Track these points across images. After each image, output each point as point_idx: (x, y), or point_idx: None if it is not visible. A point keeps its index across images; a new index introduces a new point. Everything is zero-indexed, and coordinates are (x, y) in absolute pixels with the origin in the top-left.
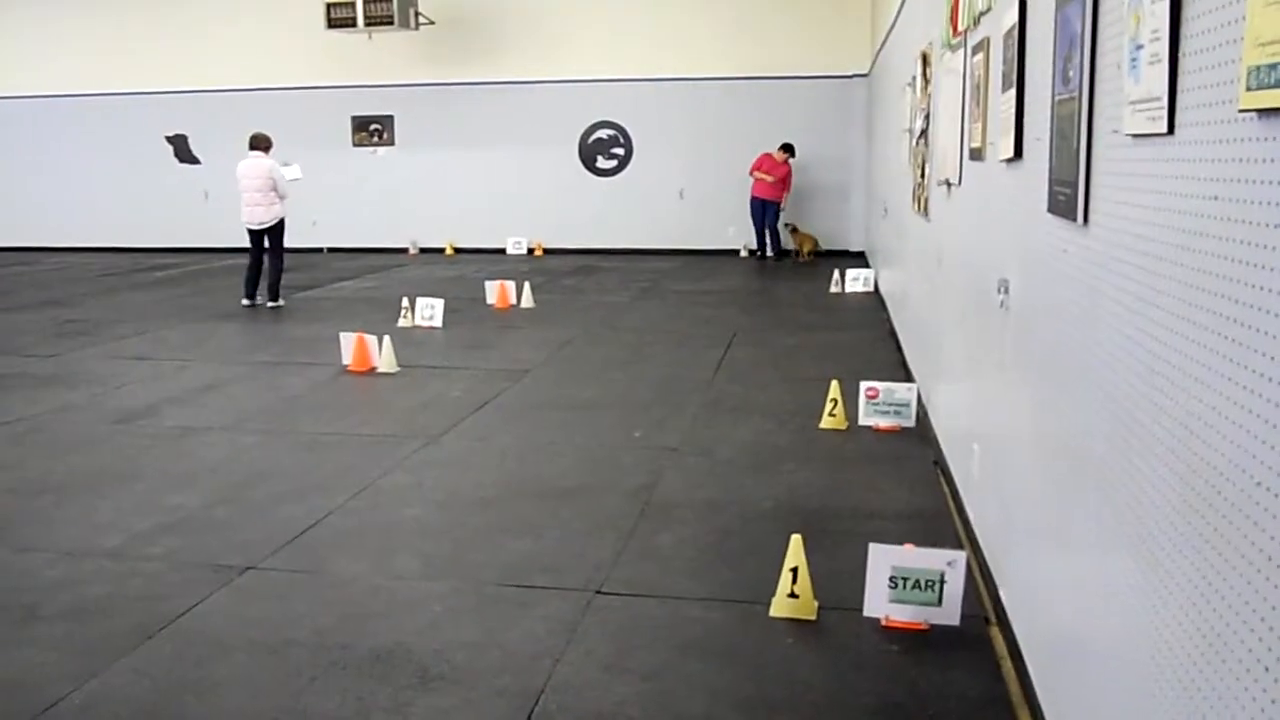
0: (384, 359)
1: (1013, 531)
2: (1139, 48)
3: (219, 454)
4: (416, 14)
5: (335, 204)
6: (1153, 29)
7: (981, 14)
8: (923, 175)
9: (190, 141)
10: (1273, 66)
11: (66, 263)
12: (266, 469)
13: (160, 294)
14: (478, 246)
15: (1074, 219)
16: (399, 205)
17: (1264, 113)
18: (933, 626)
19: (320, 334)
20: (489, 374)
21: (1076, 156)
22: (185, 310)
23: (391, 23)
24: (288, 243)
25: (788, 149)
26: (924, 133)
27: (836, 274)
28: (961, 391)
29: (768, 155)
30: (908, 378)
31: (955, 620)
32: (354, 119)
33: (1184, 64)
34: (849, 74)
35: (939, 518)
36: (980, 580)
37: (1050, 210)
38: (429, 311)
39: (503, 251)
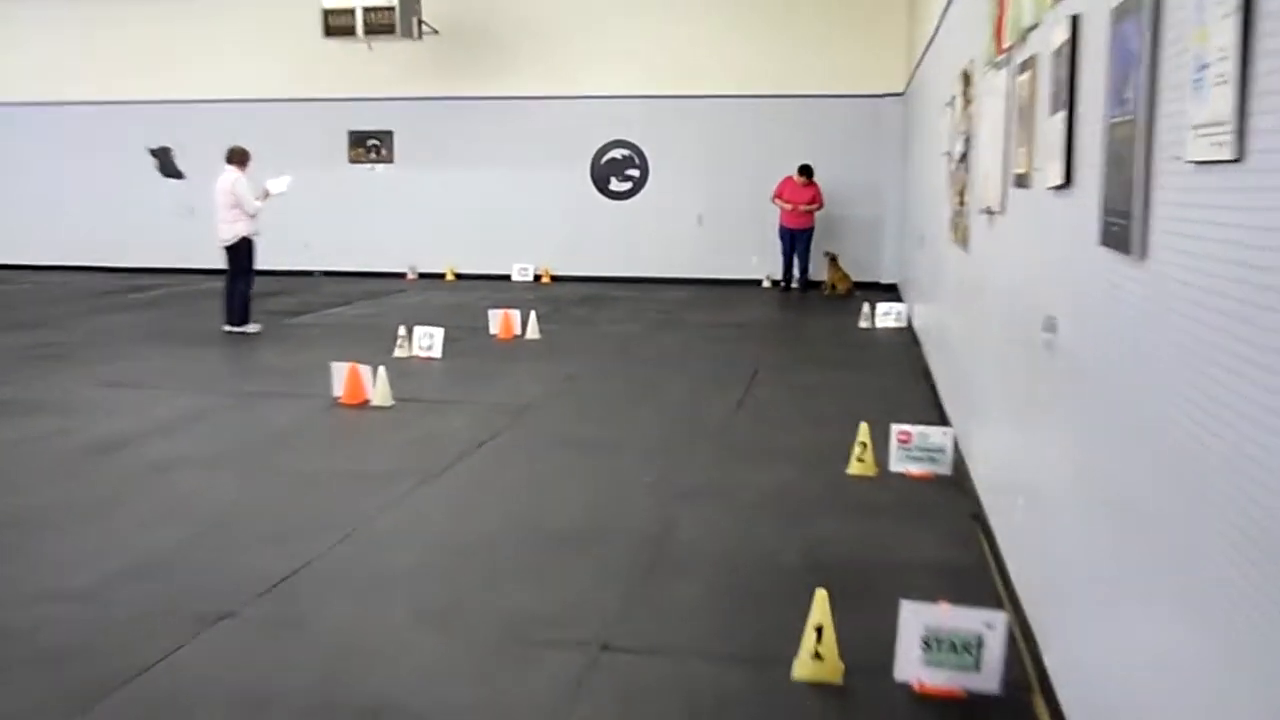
0: (378, 392)
1: (1058, 591)
2: (1204, 67)
3: (197, 491)
4: (420, 23)
5: (330, 224)
6: (1220, 46)
7: (1028, 30)
8: (962, 202)
9: (175, 154)
10: None
11: (42, 281)
12: (248, 508)
13: (141, 316)
14: (481, 272)
15: (1128, 252)
16: (397, 227)
17: None
18: (970, 693)
19: (310, 363)
20: (490, 409)
21: (1132, 185)
22: (167, 335)
23: (392, 31)
24: (279, 264)
25: (806, 171)
26: (964, 156)
27: (866, 308)
28: (1003, 438)
29: (789, 180)
30: (943, 421)
31: (995, 687)
32: (351, 134)
33: (1254, 85)
34: (883, 93)
35: (977, 574)
36: (1022, 644)
37: (1103, 242)
38: (427, 341)
39: (508, 278)
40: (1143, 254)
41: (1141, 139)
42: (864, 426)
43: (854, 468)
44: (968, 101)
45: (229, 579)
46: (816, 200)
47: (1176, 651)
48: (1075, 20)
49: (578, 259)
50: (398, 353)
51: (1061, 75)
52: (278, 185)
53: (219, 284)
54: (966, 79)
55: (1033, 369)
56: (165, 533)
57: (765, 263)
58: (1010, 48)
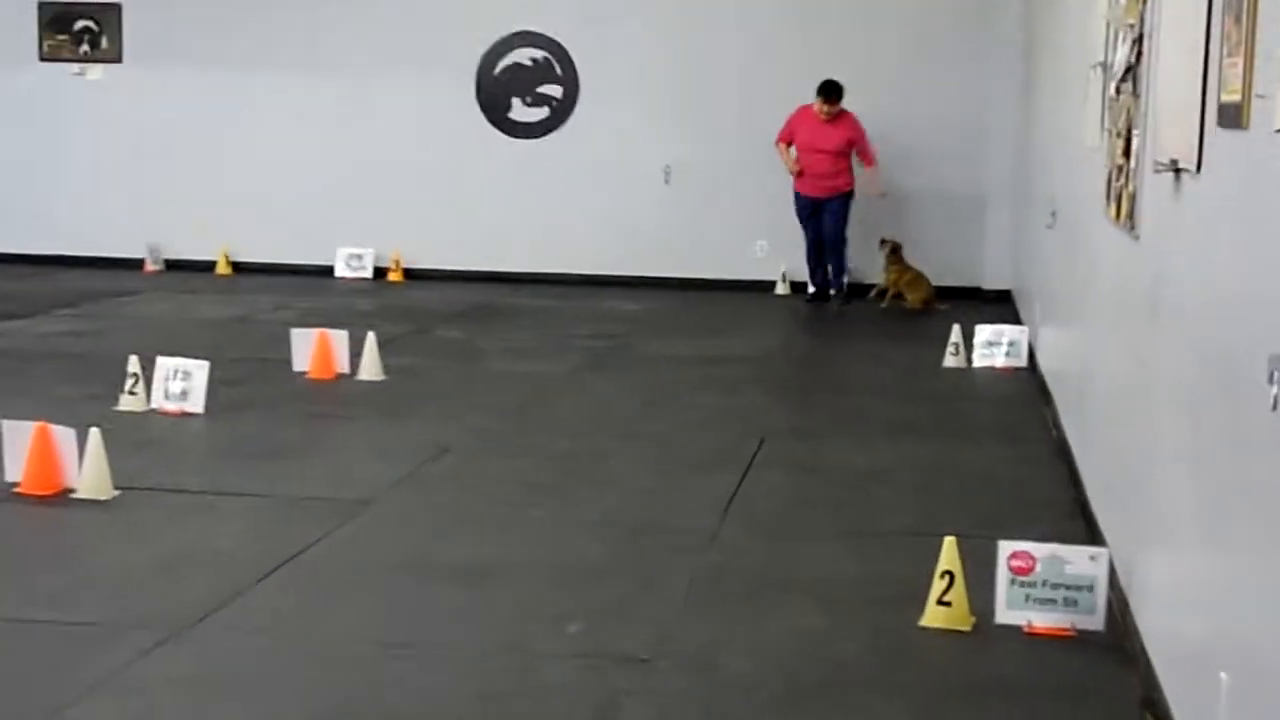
0: (88, 473)
1: None
2: None
3: None
4: None
5: (5, 171)
6: None
7: None
8: (1127, 152)
9: None
10: None
11: None
12: None
13: None
14: (279, 261)
15: None
16: (127, 178)
17: None
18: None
19: None
20: (292, 506)
21: None
22: None
23: None
24: None
25: (831, 93)
26: (1130, 71)
27: (957, 332)
28: (1197, 568)
29: (805, 112)
30: (1092, 537)
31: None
32: (46, 8)
33: None
34: None
35: None
36: None
37: None
38: (179, 384)
39: (329, 272)
40: None
41: None
42: (949, 543)
43: (933, 616)
44: None
45: None
46: (854, 143)
47: None
48: None
49: (452, 242)
50: (126, 404)
51: None
52: None
53: None
54: None
55: (1250, 444)
56: None
57: (781, 253)
58: None
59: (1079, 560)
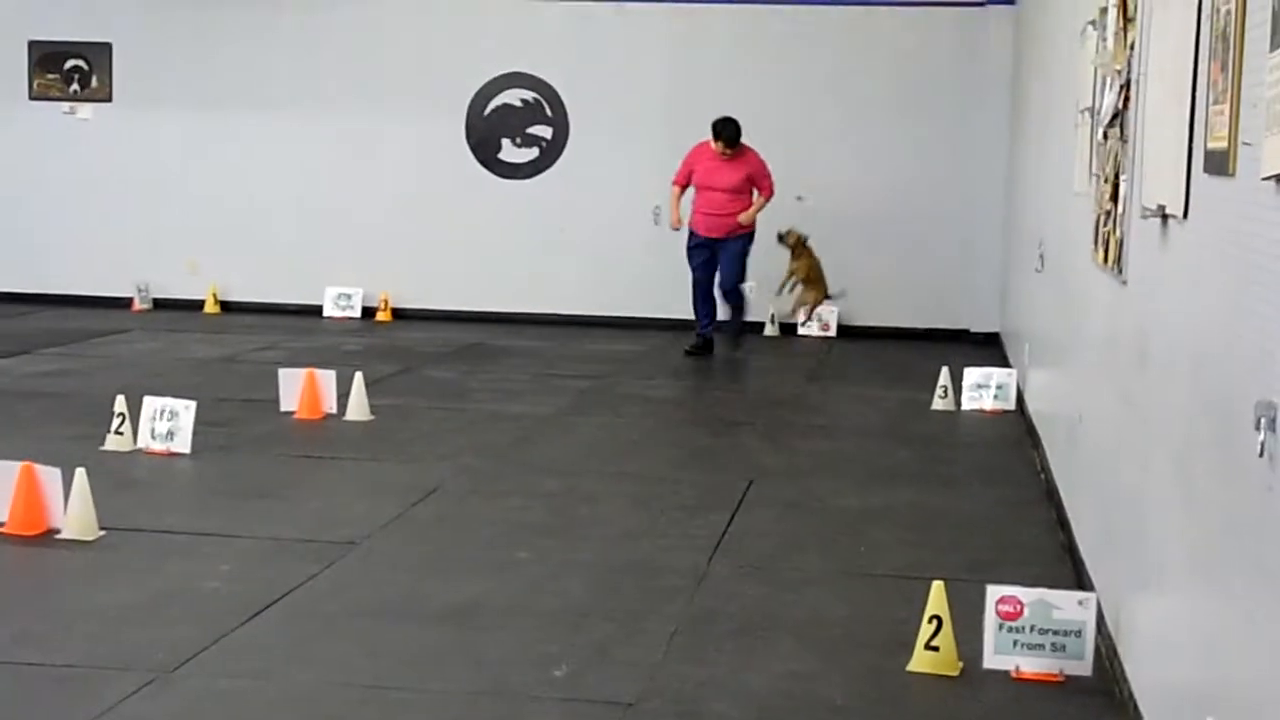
0: (73, 515)
1: None
2: None
3: None
4: None
5: None
6: None
7: None
8: (1115, 196)
9: None
10: None
11: None
12: None
13: None
14: (268, 301)
15: None
16: (116, 217)
17: None
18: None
19: None
20: (279, 549)
21: None
22: None
23: None
24: None
25: (727, 133)
26: (1117, 117)
27: (946, 375)
28: (1187, 613)
29: (705, 146)
30: (1080, 582)
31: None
32: (36, 47)
33: None
34: (979, 0)
35: None
36: None
37: None
38: (166, 424)
39: (318, 312)
40: None
41: None
42: (937, 588)
43: (921, 661)
44: (1127, 21)
45: None
46: (754, 180)
47: None
48: None
49: (442, 282)
50: (111, 444)
51: None
52: None
53: None
54: None
55: (1237, 493)
56: None
57: (769, 295)
58: None
59: (1067, 605)
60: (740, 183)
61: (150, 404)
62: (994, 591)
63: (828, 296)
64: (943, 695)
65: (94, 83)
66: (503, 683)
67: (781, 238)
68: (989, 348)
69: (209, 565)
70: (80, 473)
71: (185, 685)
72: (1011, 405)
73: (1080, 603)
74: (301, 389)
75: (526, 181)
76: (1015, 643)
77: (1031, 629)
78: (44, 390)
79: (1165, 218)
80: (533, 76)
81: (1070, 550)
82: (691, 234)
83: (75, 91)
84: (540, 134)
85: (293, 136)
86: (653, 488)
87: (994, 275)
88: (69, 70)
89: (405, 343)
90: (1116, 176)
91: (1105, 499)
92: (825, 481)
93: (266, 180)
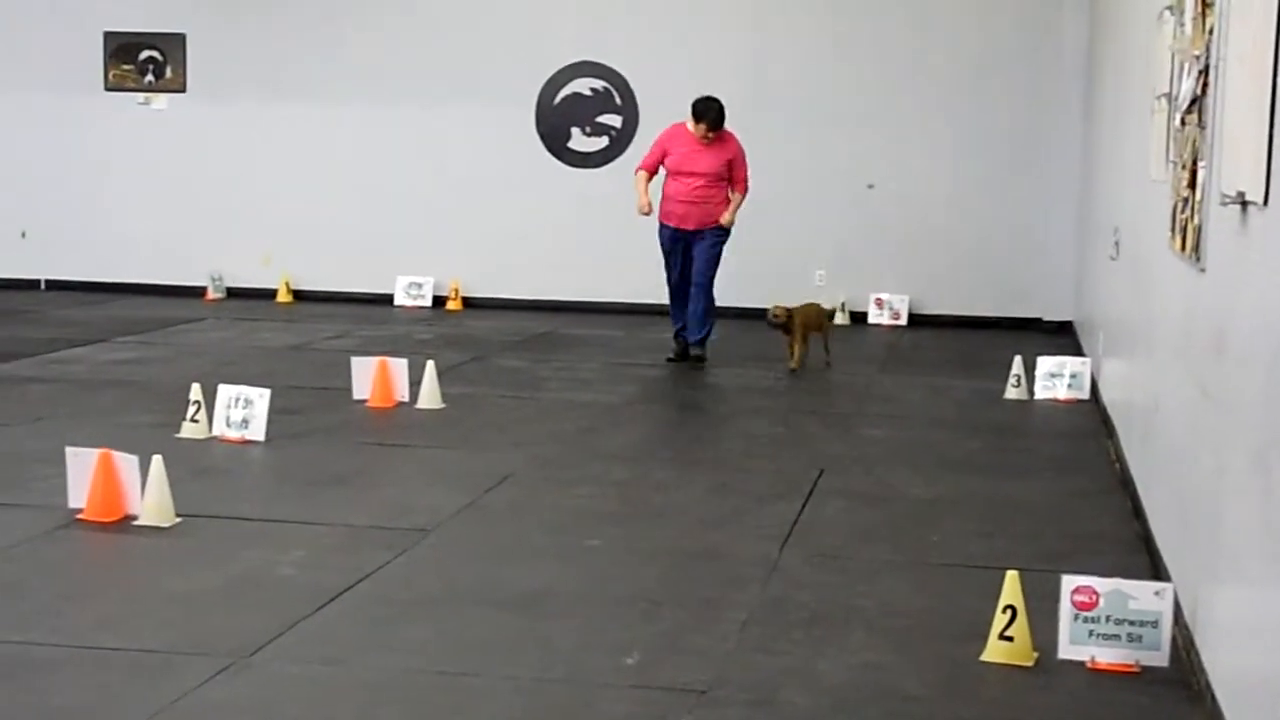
0: (150, 501)
1: None
2: None
3: None
4: None
5: (68, 199)
6: None
7: None
8: (1193, 183)
9: None
10: None
11: None
12: None
13: None
14: (339, 290)
15: None
16: (189, 207)
17: None
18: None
19: (25, 449)
20: (352, 536)
21: None
22: None
23: None
24: None
25: (710, 115)
26: (1195, 103)
27: (1019, 364)
28: (1265, 604)
29: (681, 128)
30: (1156, 572)
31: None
32: (111, 38)
33: None
34: None
35: None
36: None
37: None
38: (240, 412)
39: (389, 301)
40: None
41: None
42: (1011, 578)
43: (995, 651)
44: (1206, 6)
45: None
46: (733, 166)
47: None
48: None
49: (512, 271)
50: (187, 432)
51: None
52: None
53: None
54: None
55: None
56: None
57: (839, 283)
58: None
59: (1143, 595)
60: (721, 168)
61: (225, 392)
62: (1069, 581)
63: (830, 318)
64: (1017, 685)
65: (168, 73)
66: (574, 670)
67: (772, 323)
68: (1062, 336)
69: (283, 552)
70: (157, 460)
71: (261, 671)
72: (1086, 394)
73: (1157, 593)
74: (374, 377)
75: (596, 170)
76: (1091, 633)
77: (1107, 619)
78: (121, 378)
79: (1245, 204)
80: (602, 65)
81: (1146, 540)
82: (663, 227)
83: (150, 82)
84: (610, 123)
85: (364, 126)
86: (723, 476)
87: (1067, 263)
88: (144, 61)
89: (476, 331)
90: (1194, 163)
91: (1182, 489)
92: (897, 471)
93: (338, 169)
